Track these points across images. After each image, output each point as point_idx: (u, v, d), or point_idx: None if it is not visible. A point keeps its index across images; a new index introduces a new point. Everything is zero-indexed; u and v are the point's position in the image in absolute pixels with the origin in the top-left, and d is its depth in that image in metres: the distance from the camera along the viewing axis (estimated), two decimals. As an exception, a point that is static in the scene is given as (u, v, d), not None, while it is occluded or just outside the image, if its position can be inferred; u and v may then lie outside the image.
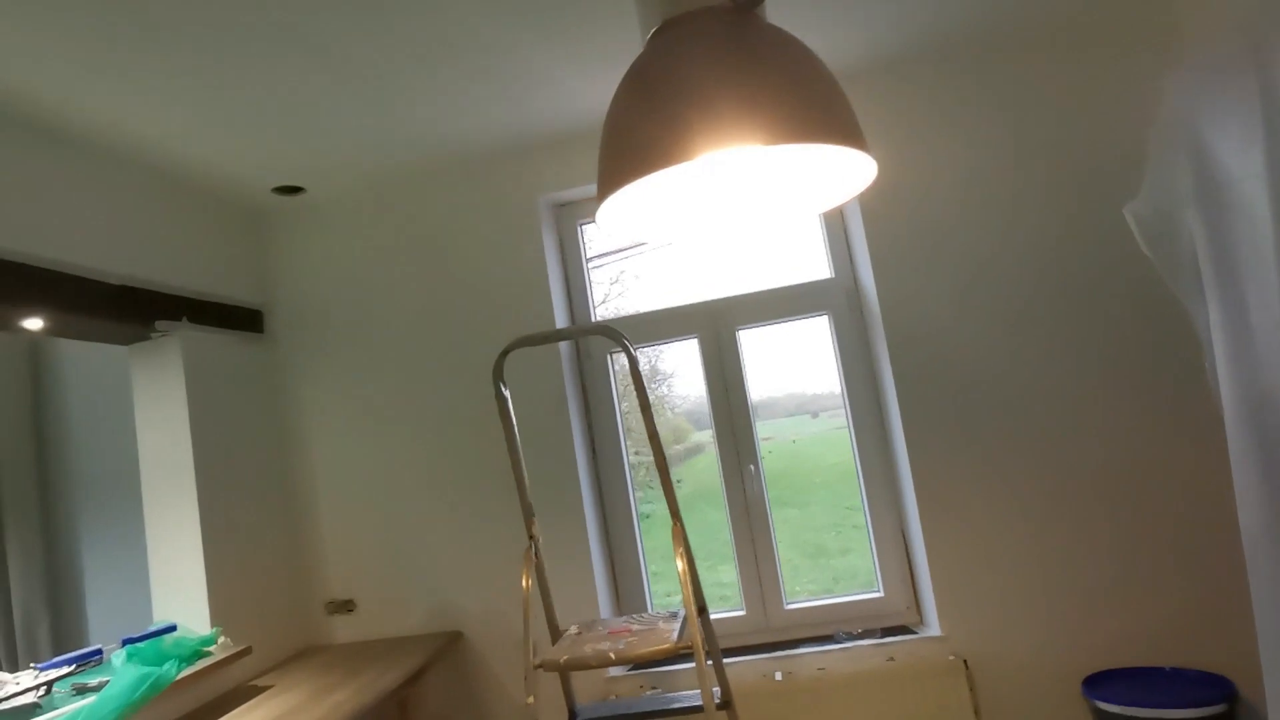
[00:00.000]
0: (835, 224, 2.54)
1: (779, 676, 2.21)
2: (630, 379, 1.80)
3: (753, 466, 2.49)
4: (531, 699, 1.45)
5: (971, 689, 2.14)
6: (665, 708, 1.71)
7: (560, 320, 2.52)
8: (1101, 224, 2.23)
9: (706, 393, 2.56)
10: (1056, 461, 2.21)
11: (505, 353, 1.82)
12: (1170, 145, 1.45)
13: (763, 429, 2.58)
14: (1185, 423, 2.15)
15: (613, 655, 1.42)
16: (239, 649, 2.09)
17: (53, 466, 2.81)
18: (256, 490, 2.44)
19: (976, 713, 2.13)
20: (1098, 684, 2.05)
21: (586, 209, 2.66)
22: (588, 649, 1.48)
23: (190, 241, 2.35)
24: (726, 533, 2.53)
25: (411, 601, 2.52)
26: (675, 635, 1.52)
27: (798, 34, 1.99)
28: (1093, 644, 2.14)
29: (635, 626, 1.60)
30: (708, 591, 1.88)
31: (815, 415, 2.79)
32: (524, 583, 1.57)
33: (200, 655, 2.02)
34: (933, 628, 2.26)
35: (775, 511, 2.51)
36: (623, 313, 2.63)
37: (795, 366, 2.63)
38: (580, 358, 2.61)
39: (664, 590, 2.83)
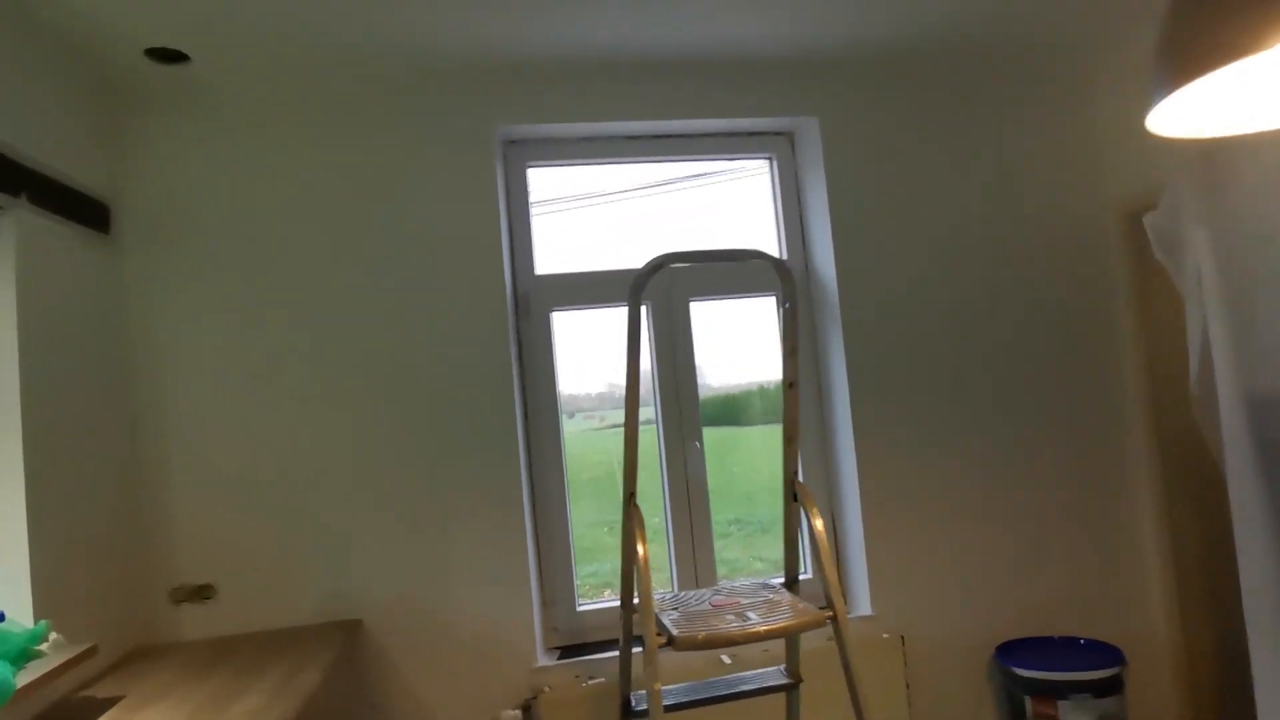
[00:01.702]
0: (791, 204, 2.54)
1: (727, 660, 2.14)
2: (788, 325, 1.61)
3: (696, 443, 2.40)
4: (658, 685, 1.21)
5: (905, 664, 2.24)
6: (756, 686, 1.55)
7: (506, 273, 2.23)
8: (1050, 226, 2.48)
9: (654, 364, 2.42)
10: (980, 451, 2.40)
11: (657, 268, 1.58)
12: (1184, 173, 1.62)
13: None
14: (1094, 417, 2.46)
15: (762, 629, 1.25)
16: (81, 648, 1.55)
17: None
18: (95, 439, 1.85)
19: (907, 685, 2.24)
20: (1008, 652, 2.25)
21: (536, 149, 2.39)
22: (717, 623, 1.29)
23: (37, 102, 1.72)
24: (662, 511, 2.42)
25: (293, 585, 2.07)
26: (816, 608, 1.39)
27: (760, 12, 1.97)
28: (1004, 617, 2.35)
29: (745, 599, 1.43)
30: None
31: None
32: (640, 549, 1.33)
33: (29, 656, 1.47)
34: (863, 608, 2.33)
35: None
36: (558, 270, 2.40)
37: (738, 345, 2.59)
38: (519, 315, 2.33)
39: (586, 572, 2.63)
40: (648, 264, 1.56)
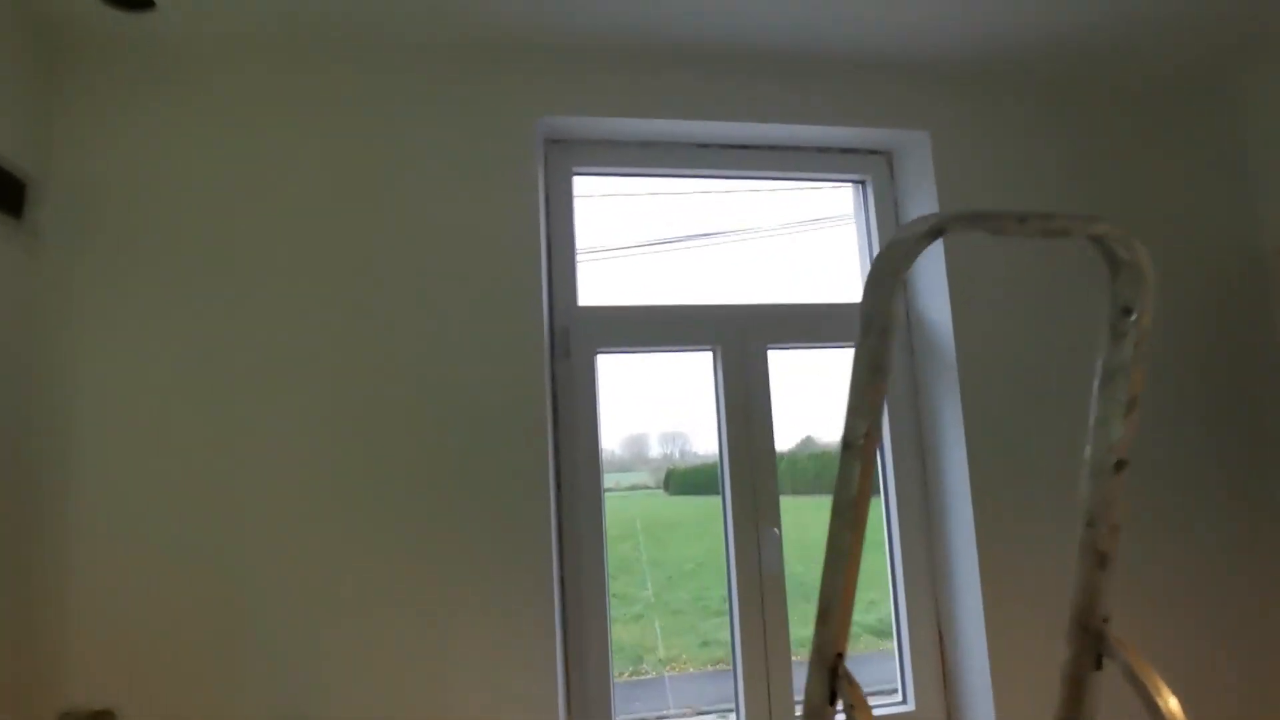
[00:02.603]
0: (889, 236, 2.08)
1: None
2: (1136, 338, 0.92)
3: (775, 529, 1.87)
4: None
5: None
6: None
7: (544, 301, 1.73)
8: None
9: (721, 423, 1.90)
10: (1139, 551, 1.89)
11: (938, 232, 0.86)
12: None
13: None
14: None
15: None
16: None
17: None
18: (-42, 500, 1.30)
19: None
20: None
21: (584, 152, 1.93)
22: None
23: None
24: (727, 619, 1.86)
25: (228, 708, 1.48)
26: None
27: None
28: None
29: None
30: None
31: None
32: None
33: None
34: (993, 757, 1.77)
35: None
36: (603, 302, 1.90)
37: (809, 403, 2.08)
38: (555, 354, 1.83)
39: (626, 670, 2.05)
40: (917, 226, 0.87)
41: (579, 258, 1.89)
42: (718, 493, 1.92)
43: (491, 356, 1.66)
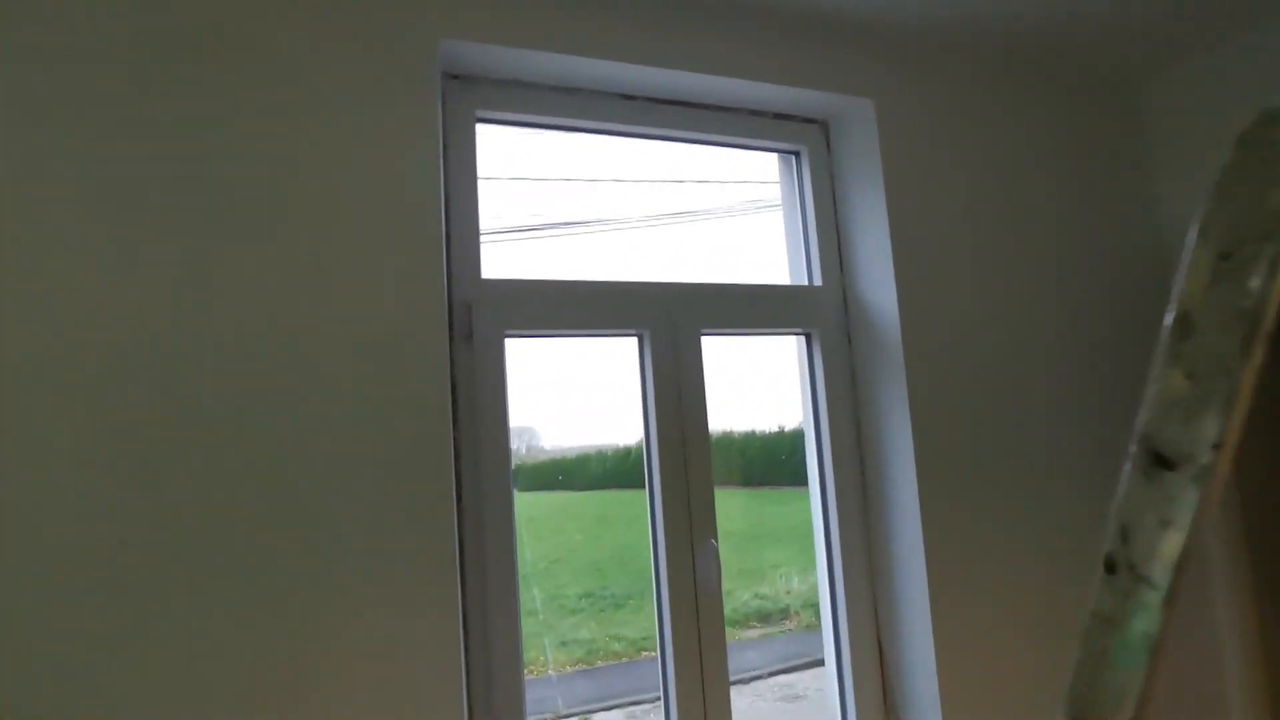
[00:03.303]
0: (825, 214, 1.90)
1: None
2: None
3: (712, 540, 1.63)
4: None
5: None
6: None
7: (442, 271, 1.39)
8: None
9: (650, 421, 1.64)
10: (1076, 540, 1.82)
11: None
12: None
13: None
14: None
15: None
16: None
17: None
18: None
19: None
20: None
21: (492, 93, 1.60)
22: None
23: None
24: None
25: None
26: None
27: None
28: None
29: None
30: None
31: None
32: None
33: None
34: (940, 768, 1.63)
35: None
36: (511, 274, 1.59)
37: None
38: (454, 337, 1.49)
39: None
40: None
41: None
42: (572, 488, 1.81)
43: (377, 337, 1.31)
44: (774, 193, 2.00)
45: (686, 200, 1.95)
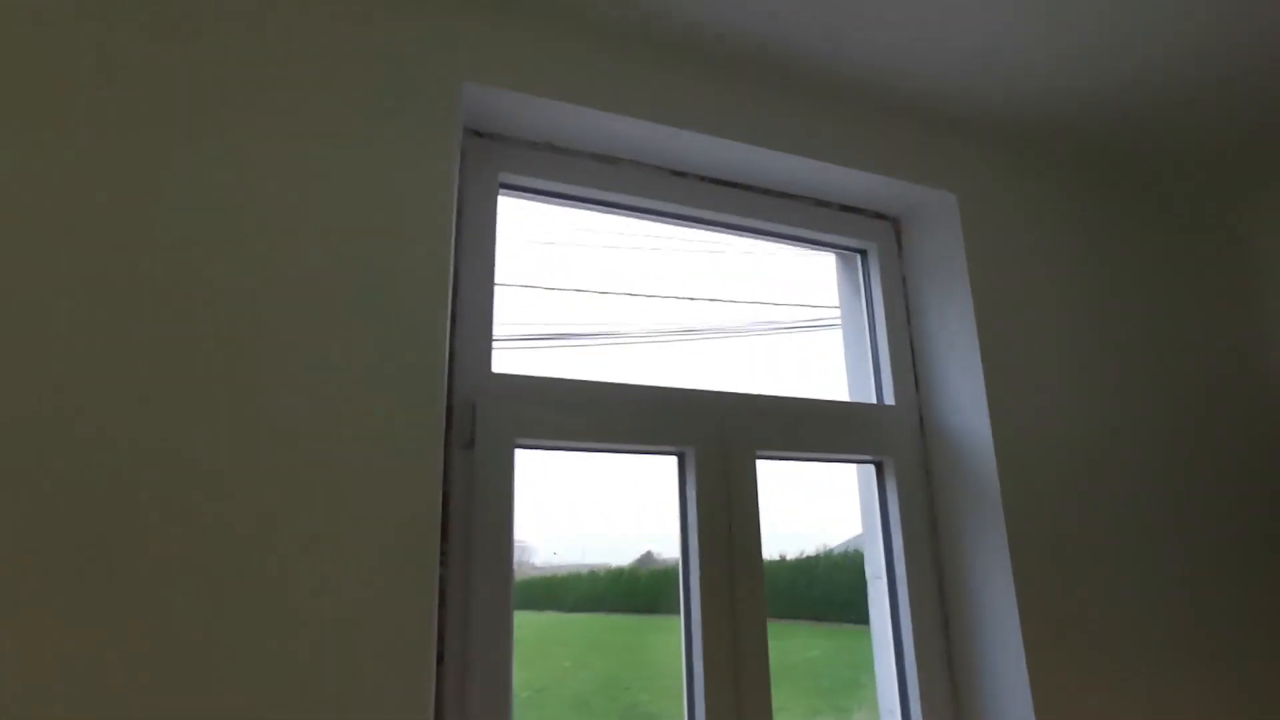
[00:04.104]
0: (898, 323, 1.62)
1: None
2: None
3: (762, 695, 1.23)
4: None
5: None
6: None
7: (444, 355, 1.09)
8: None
9: (692, 556, 1.29)
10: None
11: None
12: None
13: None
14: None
15: None
16: None
17: None
18: None
19: None
20: None
21: (518, 156, 1.35)
22: None
23: None
24: None
25: None
26: None
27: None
28: None
29: None
30: None
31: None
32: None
33: None
34: None
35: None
36: (526, 370, 1.27)
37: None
38: (451, 441, 1.16)
39: None
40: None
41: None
42: (560, 609, 1.52)
43: (354, 436, 0.98)
44: (830, 306, 1.73)
45: (733, 314, 1.68)
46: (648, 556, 1.56)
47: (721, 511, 1.30)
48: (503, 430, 1.19)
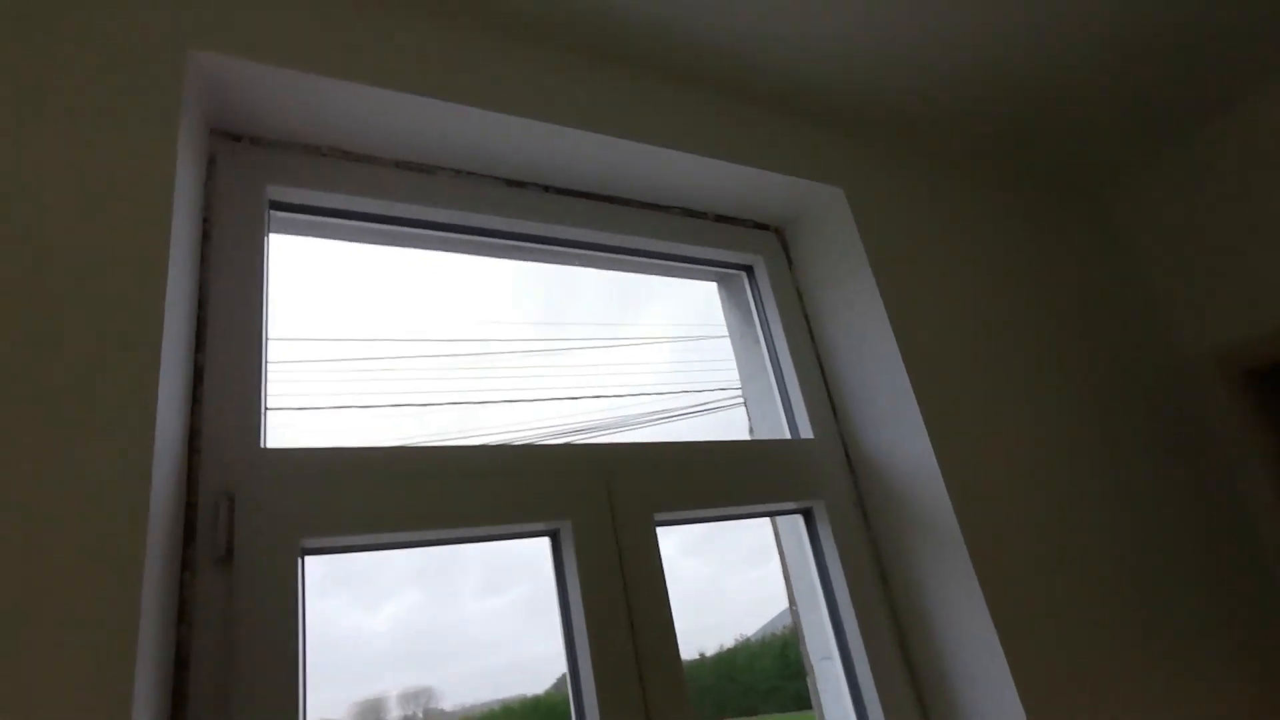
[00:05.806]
0: (802, 346, 1.36)
1: None
2: None
3: None
4: None
5: None
6: None
7: (164, 426, 0.71)
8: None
9: (584, 669, 0.92)
10: None
11: None
12: None
13: None
14: None
15: None
16: None
17: None
18: None
19: None
20: None
21: (290, 164, 1.02)
22: None
23: None
24: None
25: None
26: None
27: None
28: None
29: None
30: None
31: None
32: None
33: None
34: None
35: None
36: (315, 442, 0.90)
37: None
38: (192, 561, 0.77)
39: None
40: None
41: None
42: None
43: (16, 577, 0.58)
44: (717, 336, 1.47)
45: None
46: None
47: (617, 600, 0.95)
48: (278, 531, 0.80)
